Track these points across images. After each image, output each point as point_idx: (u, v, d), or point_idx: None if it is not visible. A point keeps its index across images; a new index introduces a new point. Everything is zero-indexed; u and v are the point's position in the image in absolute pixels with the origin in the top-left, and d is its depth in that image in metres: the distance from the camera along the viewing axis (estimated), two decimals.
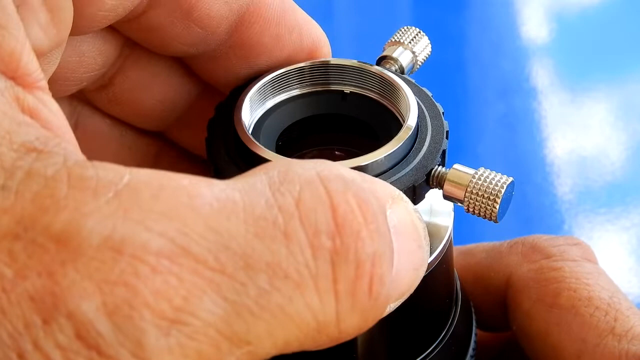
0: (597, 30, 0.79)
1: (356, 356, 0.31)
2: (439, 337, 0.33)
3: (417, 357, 0.32)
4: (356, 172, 0.24)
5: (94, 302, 0.19)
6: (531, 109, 0.71)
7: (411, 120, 0.29)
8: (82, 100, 0.34)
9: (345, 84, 0.32)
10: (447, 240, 0.31)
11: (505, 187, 0.28)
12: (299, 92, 0.32)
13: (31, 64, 0.22)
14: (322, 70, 0.32)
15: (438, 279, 0.32)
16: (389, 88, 0.31)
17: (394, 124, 0.30)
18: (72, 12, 0.26)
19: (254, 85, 0.31)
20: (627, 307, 0.34)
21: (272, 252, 0.21)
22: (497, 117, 0.71)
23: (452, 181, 0.29)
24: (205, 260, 0.20)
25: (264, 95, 0.32)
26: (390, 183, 0.27)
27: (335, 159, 0.29)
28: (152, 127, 0.36)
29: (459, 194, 0.29)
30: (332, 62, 0.32)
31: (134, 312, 0.19)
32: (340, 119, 0.32)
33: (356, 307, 0.22)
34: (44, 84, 0.23)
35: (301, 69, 0.32)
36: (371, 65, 0.32)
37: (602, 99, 0.73)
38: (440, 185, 0.29)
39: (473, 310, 0.36)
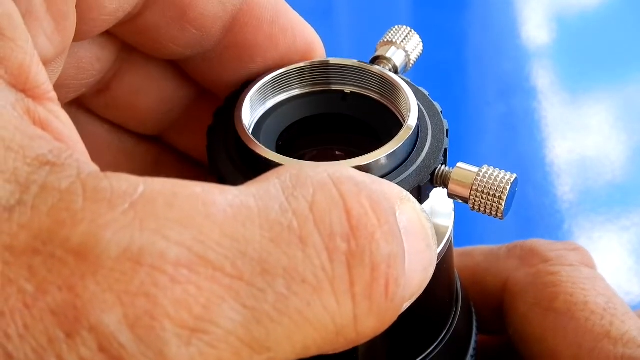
0: (597, 30, 0.79)
1: (357, 356, 0.31)
2: (439, 337, 0.33)
3: (417, 357, 0.32)
4: (364, 173, 0.24)
5: (116, 314, 0.19)
6: (531, 109, 0.71)
7: (411, 120, 0.29)
8: (80, 106, 0.34)
9: (345, 84, 0.32)
10: (448, 240, 0.32)
11: (510, 184, 0.28)
12: (300, 92, 0.32)
13: (40, 76, 0.22)
14: (323, 70, 0.32)
15: (438, 279, 0.32)
16: (389, 88, 0.31)
17: (395, 124, 0.30)
18: (76, 19, 0.26)
19: (255, 85, 0.31)
20: (623, 312, 0.34)
21: (289, 256, 0.21)
22: (497, 117, 0.71)
23: (457, 180, 0.29)
24: (222, 267, 0.20)
25: (264, 95, 0.32)
26: (396, 184, 0.27)
27: (335, 159, 0.29)
28: (149, 131, 0.36)
29: (464, 192, 0.29)
30: (332, 62, 0.32)
31: (155, 322, 0.19)
32: (340, 119, 0.32)
33: (373, 309, 0.22)
34: (54, 95, 0.23)
35: (301, 68, 0.32)
36: (371, 65, 0.32)
37: (602, 99, 0.73)
38: (444, 185, 0.29)
39: (473, 310, 0.36)
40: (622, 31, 0.79)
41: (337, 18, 0.84)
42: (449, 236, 0.32)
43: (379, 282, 0.22)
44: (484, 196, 0.28)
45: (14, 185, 0.20)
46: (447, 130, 0.30)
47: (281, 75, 0.32)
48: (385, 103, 0.32)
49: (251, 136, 0.29)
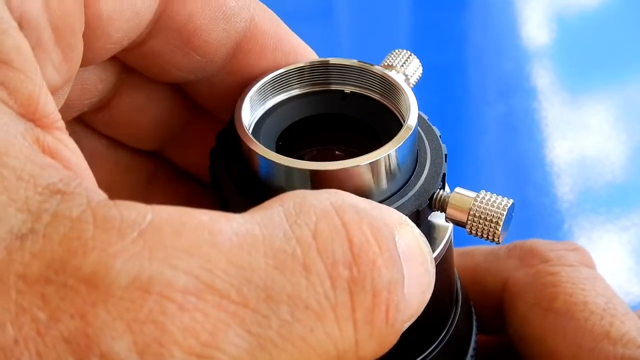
0: (597, 30, 0.79)
1: None
2: (439, 337, 0.33)
3: (417, 357, 0.32)
4: (364, 199, 0.25)
5: (125, 341, 0.19)
6: (531, 109, 0.71)
7: (411, 120, 0.29)
8: (78, 121, 0.34)
9: (345, 84, 0.32)
10: (447, 240, 0.32)
11: (506, 210, 0.29)
12: (299, 92, 0.32)
13: (48, 105, 0.23)
14: (323, 70, 0.32)
15: (438, 279, 0.32)
16: (390, 88, 0.31)
17: (395, 124, 0.31)
18: (82, 49, 0.26)
19: (254, 85, 0.31)
20: (623, 312, 0.34)
21: (293, 283, 0.21)
22: (497, 117, 0.71)
23: (455, 205, 0.29)
24: (228, 294, 0.20)
25: (264, 95, 0.32)
26: (395, 208, 0.27)
27: (335, 159, 0.29)
28: (147, 147, 0.36)
29: (462, 217, 0.29)
30: (332, 62, 0.32)
31: (164, 349, 0.19)
32: (340, 119, 0.32)
33: (374, 334, 0.23)
34: (62, 124, 0.23)
35: (301, 68, 0.32)
36: (372, 65, 0.32)
37: (602, 99, 0.73)
38: (442, 209, 0.30)
39: (473, 310, 0.36)
40: (622, 31, 0.79)
41: (337, 18, 0.84)
42: (449, 236, 0.32)
43: (380, 308, 0.23)
44: (481, 221, 0.29)
45: (25, 214, 0.20)
46: (446, 155, 0.31)
47: (281, 75, 0.32)
48: (385, 103, 0.32)
49: (251, 136, 0.29)
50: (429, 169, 0.30)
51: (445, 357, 0.33)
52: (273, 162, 0.28)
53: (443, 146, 0.31)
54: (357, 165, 0.27)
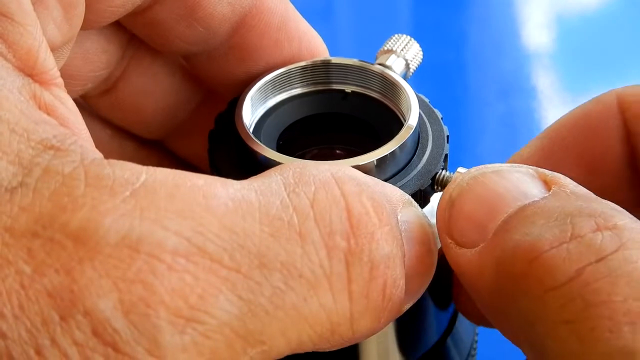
0: (597, 30, 0.79)
1: (356, 355, 0.31)
2: (439, 336, 0.33)
3: (418, 356, 0.32)
4: (367, 175, 0.24)
5: (111, 299, 0.19)
6: (531, 109, 0.71)
7: (412, 120, 0.29)
8: (84, 109, 0.34)
9: (346, 83, 0.32)
10: None
11: None
12: (301, 91, 0.32)
13: (48, 61, 0.23)
14: (324, 70, 0.32)
15: (438, 279, 0.32)
16: (390, 87, 0.31)
17: (395, 124, 0.31)
18: (84, 8, 0.26)
19: (256, 84, 0.31)
20: None
21: (287, 251, 0.21)
22: (497, 117, 0.71)
23: None
24: (220, 259, 0.20)
25: (265, 94, 0.32)
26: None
27: (336, 158, 0.29)
28: (152, 135, 0.36)
29: None
30: (333, 62, 0.32)
31: (150, 309, 0.19)
32: (341, 118, 0.32)
33: (370, 308, 0.22)
34: (60, 81, 0.23)
35: (303, 68, 0.32)
36: (372, 64, 0.32)
37: None
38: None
39: None
40: (622, 31, 0.79)
41: (337, 18, 0.84)
42: None
43: (377, 282, 0.22)
44: None
45: (17, 167, 0.20)
46: (448, 137, 0.30)
47: (282, 74, 0.32)
48: (386, 102, 0.32)
49: (252, 135, 0.29)
50: (431, 150, 0.30)
51: (445, 356, 0.33)
52: (274, 161, 0.28)
53: (445, 128, 0.31)
54: (358, 165, 0.27)
